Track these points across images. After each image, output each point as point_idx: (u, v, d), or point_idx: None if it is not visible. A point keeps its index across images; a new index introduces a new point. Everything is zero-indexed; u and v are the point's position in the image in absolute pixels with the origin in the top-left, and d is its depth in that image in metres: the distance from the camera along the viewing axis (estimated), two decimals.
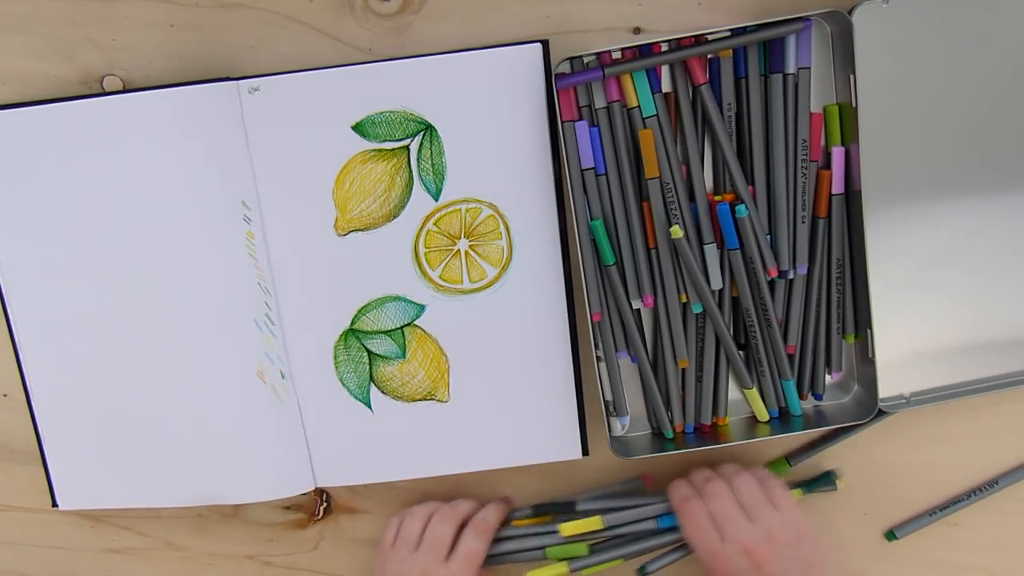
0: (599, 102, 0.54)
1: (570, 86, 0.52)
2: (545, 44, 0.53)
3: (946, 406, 0.58)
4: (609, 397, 0.58)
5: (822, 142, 0.54)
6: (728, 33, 0.52)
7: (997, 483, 0.60)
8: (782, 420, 0.58)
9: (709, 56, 0.53)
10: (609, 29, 0.54)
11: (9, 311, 0.57)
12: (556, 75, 0.52)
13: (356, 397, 0.58)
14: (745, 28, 0.52)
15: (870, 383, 0.56)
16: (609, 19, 0.54)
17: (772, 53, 0.53)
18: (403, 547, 0.55)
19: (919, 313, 0.57)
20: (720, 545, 0.52)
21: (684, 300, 0.56)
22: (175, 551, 0.63)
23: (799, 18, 0.51)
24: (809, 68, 0.53)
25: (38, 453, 0.59)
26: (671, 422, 0.58)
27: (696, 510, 0.53)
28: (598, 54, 0.53)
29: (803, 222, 0.55)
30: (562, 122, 0.53)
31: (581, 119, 0.53)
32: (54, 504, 0.60)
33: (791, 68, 0.53)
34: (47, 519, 0.62)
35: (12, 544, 0.63)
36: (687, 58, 0.52)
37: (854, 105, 0.52)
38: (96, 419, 0.58)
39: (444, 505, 0.57)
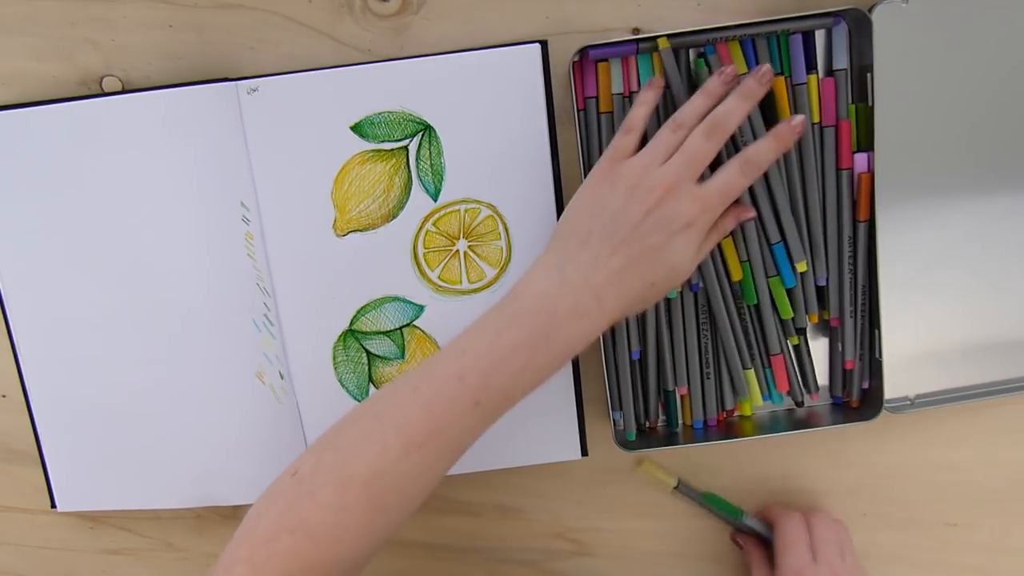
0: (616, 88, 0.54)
1: (602, 58, 0.52)
2: (544, 45, 0.53)
3: (947, 407, 0.58)
4: (613, 391, 0.58)
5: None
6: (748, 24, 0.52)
7: None
8: (789, 420, 0.58)
9: (704, 52, 0.53)
10: (608, 30, 0.54)
11: (7, 312, 0.57)
12: (588, 47, 0.51)
13: (355, 398, 0.58)
14: (767, 21, 0.52)
15: (876, 384, 0.56)
16: (608, 20, 0.54)
17: (794, 52, 0.53)
18: (654, 153, 0.47)
19: (926, 315, 0.57)
20: (810, 564, 0.53)
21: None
22: (174, 552, 0.63)
23: (830, 13, 0.51)
24: (846, 70, 0.53)
25: (37, 454, 0.59)
26: (643, 419, 0.59)
27: (798, 526, 0.55)
28: (615, 43, 0.52)
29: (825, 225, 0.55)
30: (577, 109, 0.53)
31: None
32: (53, 505, 0.60)
33: (799, 78, 0.53)
34: (46, 520, 0.62)
35: (11, 545, 0.63)
36: (721, 41, 0.52)
37: (871, 105, 0.52)
38: (95, 420, 0.58)
39: (709, 116, 0.48)
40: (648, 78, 0.52)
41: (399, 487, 0.44)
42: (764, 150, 0.48)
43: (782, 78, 0.53)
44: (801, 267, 0.54)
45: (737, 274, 0.55)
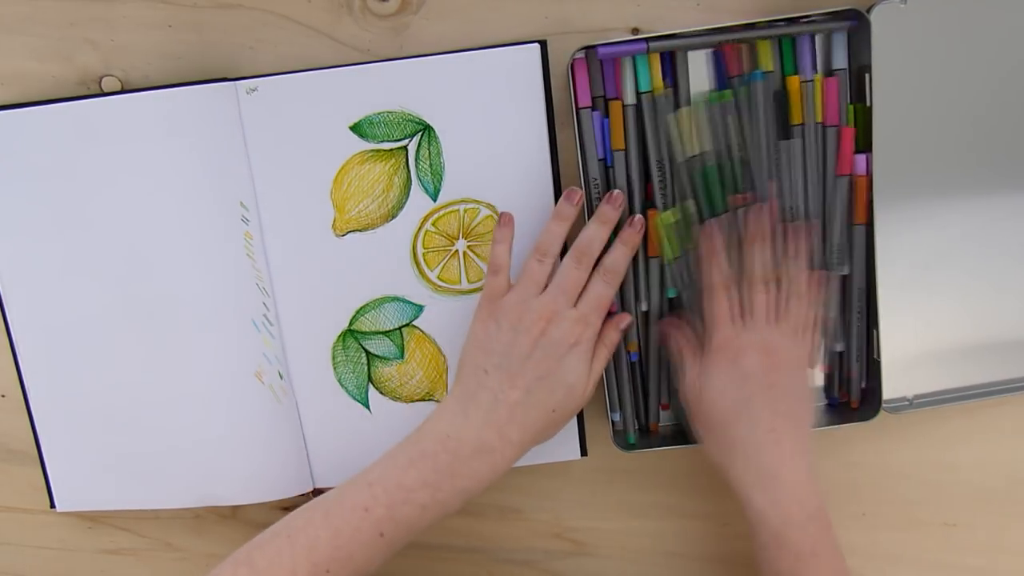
0: (609, 93, 0.54)
1: (611, 57, 0.52)
2: (543, 44, 0.53)
3: (946, 407, 0.58)
4: (612, 392, 0.58)
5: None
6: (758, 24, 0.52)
7: None
8: None
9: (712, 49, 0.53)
10: (607, 30, 0.54)
11: (7, 312, 0.57)
12: (596, 46, 0.52)
13: (354, 398, 0.58)
14: (770, 20, 0.52)
15: (874, 385, 0.56)
16: (608, 20, 0.54)
17: (802, 51, 0.53)
18: (528, 287, 0.51)
19: (925, 315, 0.56)
20: (739, 332, 0.51)
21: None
22: (173, 552, 0.63)
23: (845, 12, 0.51)
24: (846, 69, 0.53)
25: (36, 454, 0.59)
26: (639, 420, 0.59)
27: (721, 295, 0.52)
28: (617, 43, 0.52)
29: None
30: (578, 109, 0.53)
31: (594, 109, 0.54)
32: (52, 505, 0.60)
33: (807, 75, 0.53)
34: (45, 520, 0.62)
35: (10, 545, 0.63)
36: (732, 43, 0.52)
37: (869, 105, 0.52)
38: (94, 420, 0.58)
39: (575, 245, 0.52)
40: (502, 214, 0.54)
41: None
42: (618, 258, 0.52)
43: (795, 78, 0.53)
44: None
45: None
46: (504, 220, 0.54)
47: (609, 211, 0.53)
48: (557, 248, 0.52)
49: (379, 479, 0.49)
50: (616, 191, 0.53)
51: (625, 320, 0.54)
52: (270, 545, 0.48)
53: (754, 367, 0.51)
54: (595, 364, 0.52)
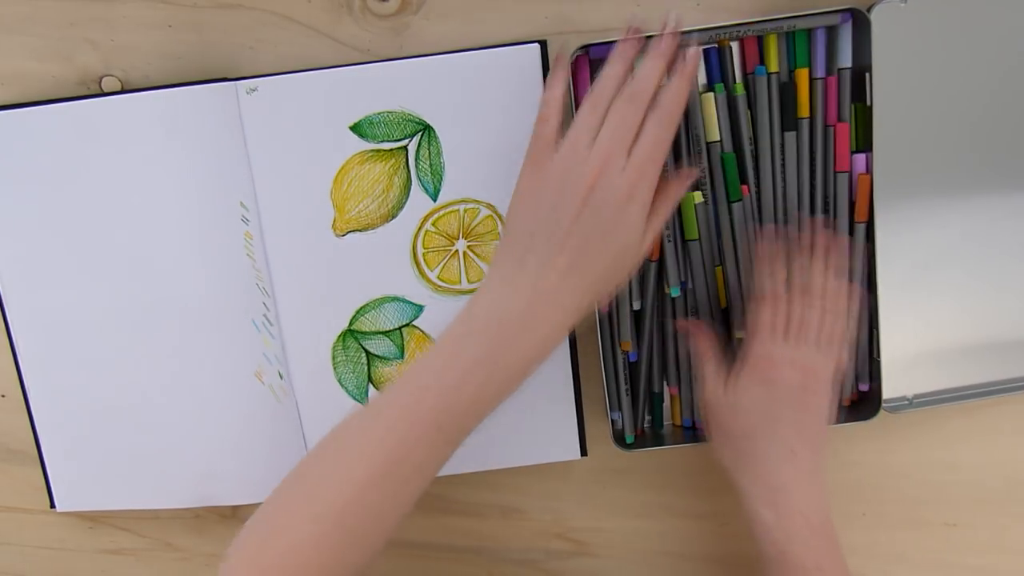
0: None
1: (603, 56, 0.52)
2: (543, 44, 0.53)
3: (946, 406, 0.58)
4: (612, 391, 0.58)
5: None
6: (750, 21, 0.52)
7: None
8: None
9: (706, 46, 0.53)
10: (607, 29, 0.54)
11: (7, 312, 0.57)
12: (589, 46, 0.51)
13: (354, 398, 0.58)
14: (770, 19, 0.51)
15: (874, 384, 0.56)
16: (608, 19, 0.54)
17: (816, 46, 0.53)
18: (579, 136, 0.45)
19: (925, 315, 0.56)
20: (781, 347, 0.50)
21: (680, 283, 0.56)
22: (173, 552, 0.63)
23: (839, 11, 0.51)
24: (849, 68, 0.53)
25: (36, 454, 0.59)
26: (637, 422, 0.58)
27: (779, 307, 0.51)
28: (607, 43, 0.52)
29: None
30: (578, 105, 0.52)
31: None
32: (52, 505, 0.60)
33: (819, 72, 0.53)
34: (45, 520, 0.62)
35: (10, 545, 0.63)
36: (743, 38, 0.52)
37: (869, 105, 0.52)
38: (94, 420, 0.58)
39: (627, 84, 0.45)
40: (558, 55, 0.48)
41: (369, 516, 0.44)
42: (676, 92, 0.45)
43: (804, 71, 0.53)
44: None
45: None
46: (559, 60, 0.47)
47: (669, 42, 0.45)
48: (613, 92, 0.45)
49: (428, 366, 0.45)
50: (675, 22, 0.46)
51: (692, 176, 0.49)
52: (324, 457, 0.45)
53: (791, 383, 0.49)
54: (653, 221, 0.46)
